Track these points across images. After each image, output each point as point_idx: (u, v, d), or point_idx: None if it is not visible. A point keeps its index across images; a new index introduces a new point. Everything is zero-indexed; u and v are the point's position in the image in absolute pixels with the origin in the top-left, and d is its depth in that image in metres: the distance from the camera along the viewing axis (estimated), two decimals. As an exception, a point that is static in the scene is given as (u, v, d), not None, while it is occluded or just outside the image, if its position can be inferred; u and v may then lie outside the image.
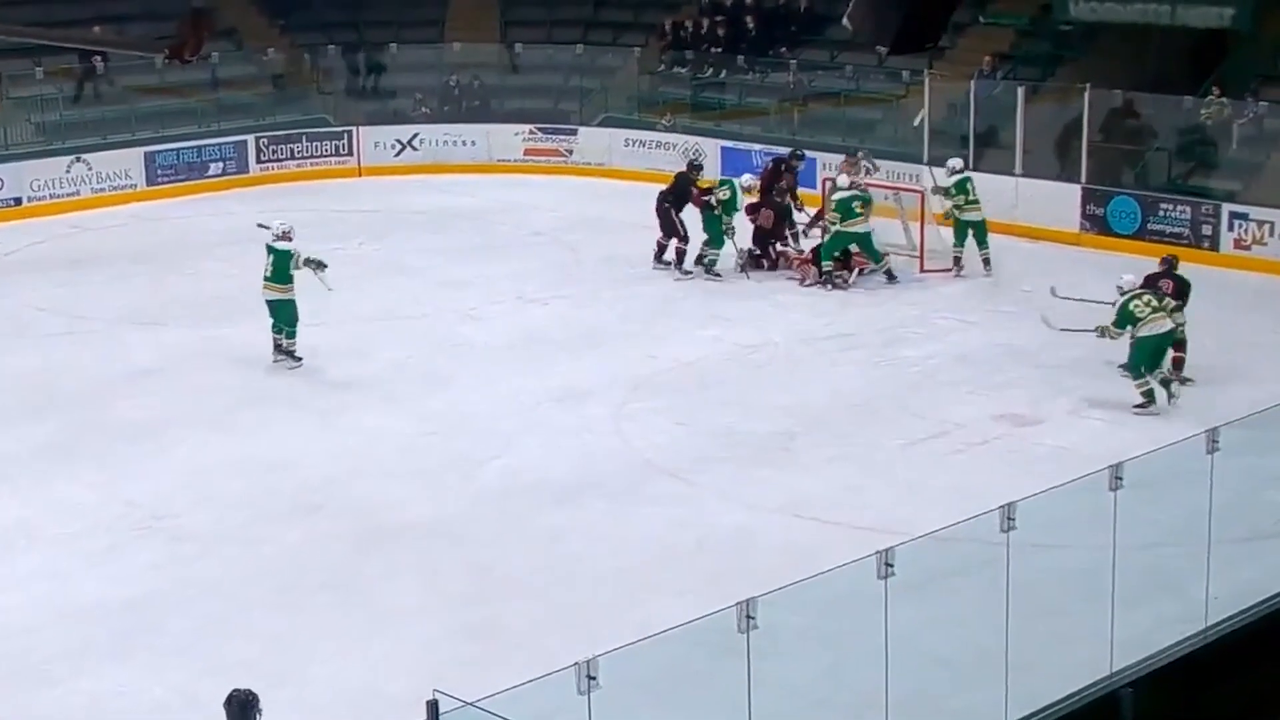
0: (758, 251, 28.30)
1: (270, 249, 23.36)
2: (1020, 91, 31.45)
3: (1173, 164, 30.42)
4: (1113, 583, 13.12)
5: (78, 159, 34.37)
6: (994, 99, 31.95)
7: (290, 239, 23.35)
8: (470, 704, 9.82)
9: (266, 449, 20.30)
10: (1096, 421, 20.81)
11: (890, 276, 27.26)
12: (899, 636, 11.70)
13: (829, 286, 27.04)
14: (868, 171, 29.20)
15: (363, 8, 40.61)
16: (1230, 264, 27.94)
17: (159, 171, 35.36)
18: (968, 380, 22.52)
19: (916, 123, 32.61)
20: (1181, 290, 22.25)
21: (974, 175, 28.56)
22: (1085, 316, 22.34)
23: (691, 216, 28.24)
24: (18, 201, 33.63)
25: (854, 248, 27.22)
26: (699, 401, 21.94)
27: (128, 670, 14.92)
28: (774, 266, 28.17)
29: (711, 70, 38.21)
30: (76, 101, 35.94)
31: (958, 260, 28.12)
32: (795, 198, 29.03)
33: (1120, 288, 21.53)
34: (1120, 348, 21.50)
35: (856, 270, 27.32)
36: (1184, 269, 22.76)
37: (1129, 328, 21.11)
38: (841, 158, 30.18)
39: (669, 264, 28.22)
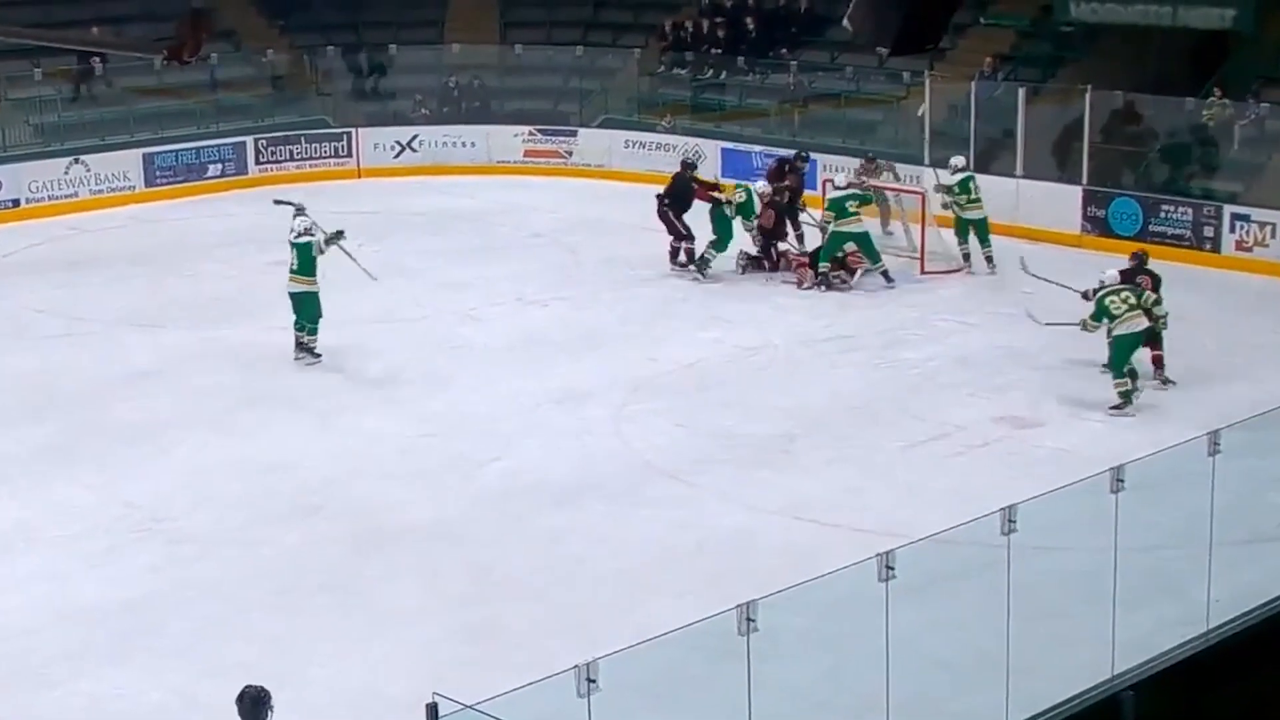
0: (758, 254, 28.24)
1: (291, 245, 23.59)
2: (1021, 93, 31.43)
3: (1174, 165, 30.38)
4: (1114, 585, 13.11)
5: (76, 160, 34.34)
6: (995, 100, 31.92)
7: (311, 235, 23.52)
8: (470, 706, 9.81)
9: (266, 450, 20.28)
10: (1097, 423, 20.78)
11: (887, 279, 27.18)
12: (899, 639, 11.68)
13: (823, 288, 27.01)
14: (888, 176, 29.16)
15: (362, 9, 40.56)
16: (1232, 266, 27.96)
17: (158, 173, 35.34)
18: (968, 382, 22.49)
19: (920, 112, 32.56)
20: (1156, 285, 22.41)
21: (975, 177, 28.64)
22: (1069, 309, 22.37)
23: (694, 218, 28.14)
24: (16, 203, 33.63)
25: (851, 247, 27.15)
26: (699, 403, 21.92)
27: (127, 672, 14.90)
28: (775, 268, 28.12)
29: (711, 71, 38.19)
30: (74, 102, 35.88)
31: (967, 257, 28.25)
32: (798, 198, 28.97)
33: (1102, 281, 21.71)
34: (1105, 345, 21.59)
35: (860, 271, 27.26)
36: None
37: (1105, 321, 21.17)
38: (859, 161, 30.15)
39: (683, 265, 28.16)
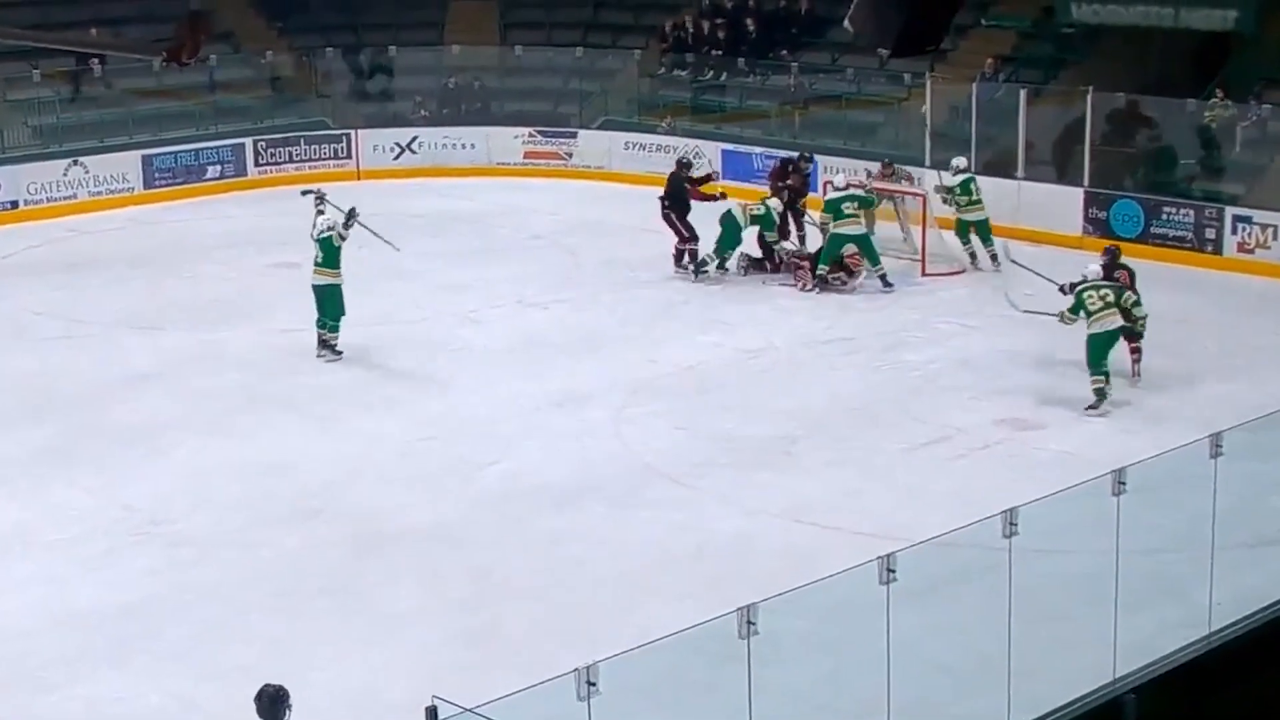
0: (759, 256, 28.20)
1: (315, 240, 23.79)
2: (1022, 94, 31.35)
3: (1176, 167, 30.35)
4: (1116, 588, 13.10)
5: (75, 162, 34.28)
6: (996, 102, 31.88)
7: (331, 228, 23.68)
8: (469, 710, 9.79)
9: (265, 453, 20.24)
10: (1099, 426, 20.75)
11: (885, 283, 27.12)
12: (900, 642, 11.67)
13: (818, 290, 26.96)
14: (906, 181, 29.13)
15: (362, 10, 40.54)
16: (1233, 267, 27.92)
17: (156, 175, 35.27)
18: (969, 385, 22.45)
19: (923, 111, 32.53)
20: (1133, 281, 22.59)
21: (977, 178, 28.65)
22: (1050, 300, 22.45)
23: (703, 221, 28.11)
24: (14, 205, 33.55)
25: (851, 249, 27.11)
26: (699, 405, 21.88)
27: (125, 676, 14.85)
28: (776, 269, 28.06)
29: (712, 73, 38.14)
30: (74, 101, 35.84)
31: (973, 257, 28.36)
32: (799, 199, 28.91)
33: (1084, 276, 21.81)
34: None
35: (863, 273, 27.21)
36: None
37: (1081, 315, 21.33)
38: (877, 167, 30.11)
39: (687, 268, 28.09)
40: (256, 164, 36.66)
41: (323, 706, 13.96)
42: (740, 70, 37.63)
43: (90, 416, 21.66)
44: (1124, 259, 23.07)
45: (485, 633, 15.44)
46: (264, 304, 26.78)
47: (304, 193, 25.04)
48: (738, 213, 27.83)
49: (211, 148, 36.14)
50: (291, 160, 36.95)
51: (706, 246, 27.95)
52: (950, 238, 28.57)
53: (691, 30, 39.11)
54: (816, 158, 31.48)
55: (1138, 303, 21.93)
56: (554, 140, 37.77)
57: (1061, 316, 21.65)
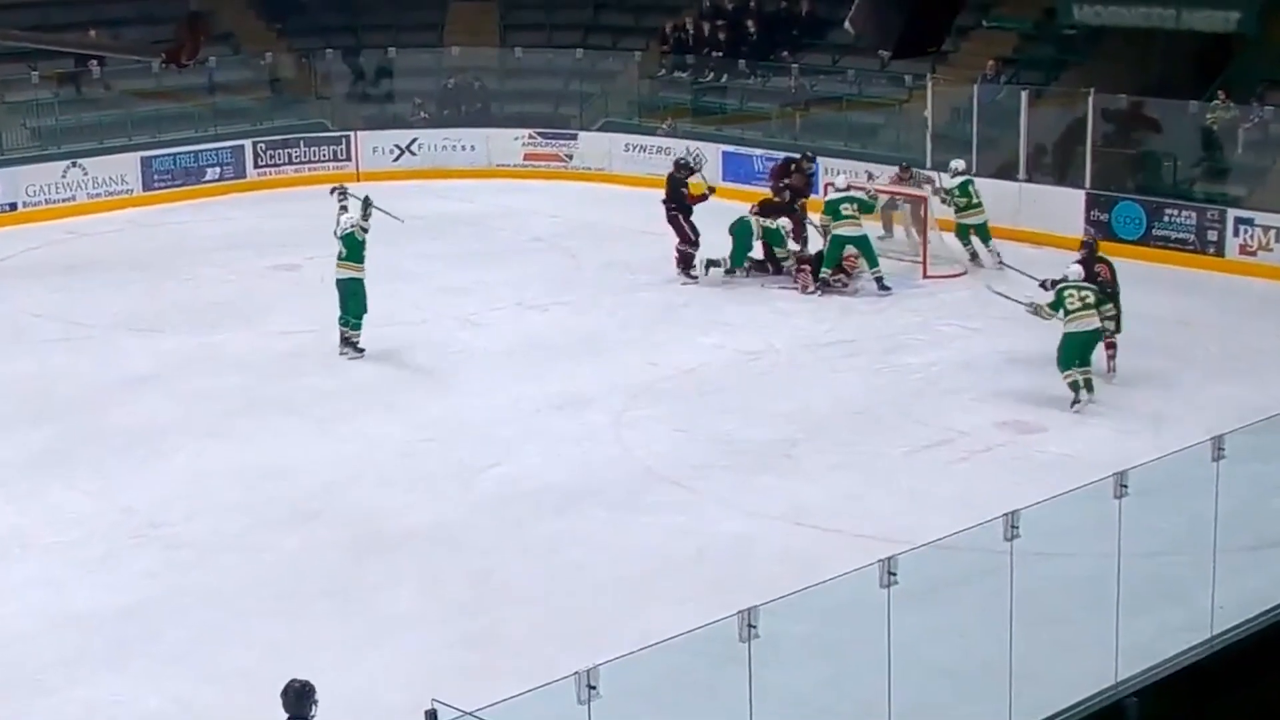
0: (760, 258, 28.16)
1: (338, 238, 23.90)
2: (1024, 96, 31.35)
3: (1178, 169, 30.31)
4: (1117, 591, 13.11)
5: (73, 164, 34.26)
6: (997, 103, 31.84)
7: (355, 224, 23.82)
8: (469, 714, 9.77)
9: (264, 456, 20.20)
10: (1101, 429, 20.71)
11: (881, 286, 27.08)
12: (901, 646, 11.67)
13: (820, 292, 26.93)
14: (926, 184, 29.09)
15: (361, 12, 40.54)
16: (1236, 270, 27.88)
17: (155, 176, 35.25)
18: (971, 387, 22.41)
19: (925, 113, 32.52)
20: (1113, 274, 22.76)
21: (977, 180, 28.61)
22: (1028, 291, 22.66)
23: (712, 227, 28.07)
24: (13, 207, 33.54)
25: (852, 250, 27.09)
26: (700, 408, 21.84)
27: (124, 679, 14.81)
28: (779, 270, 28.00)
29: (712, 74, 38.12)
30: (75, 101, 35.80)
31: (974, 257, 28.43)
32: (798, 198, 28.85)
33: (1065, 275, 21.98)
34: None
35: (862, 275, 27.18)
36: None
37: (1060, 313, 21.48)
38: (894, 170, 30.12)
39: (689, 273, 28.03)
40: (256, 166, 36.65)
41: (322, 709, 13.87)
42: (741, 72, 37.60)
43: (89, 419, 21.63)
44: (1105, 254, 23.27)
45: (485, 636, 15.40)
46: (263, 306, 26.76)
47: (331, 190, 25.13)
48: (752, 223, 27.79)
49: (211, 149, 36.14)
50: (291, 162, 36.96)
51: (706, 251, 27.88)
52: (951, 240, 28.57)
53: (692, 32, 39.10)
54: (819, 160, 31.36)
55: (1113, 315, 22.18)
56: (554, 142, 37.75)
57: (1037, 310, 21.87)
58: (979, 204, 28.24)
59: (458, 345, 24.77)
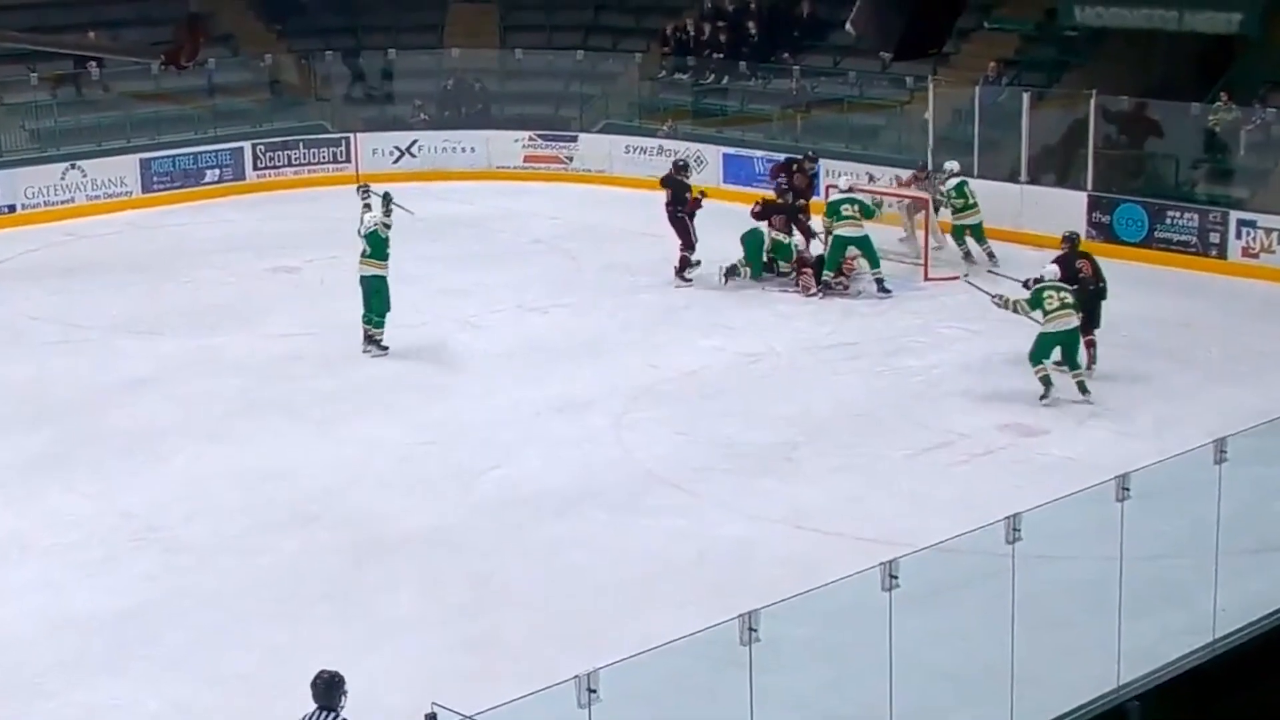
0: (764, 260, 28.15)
1: (361, 236, 24.08)
2: (1025, 98, 31.33)
3: (1180, 171, 30.28)
4: (1119, 594, 13.11)
5: (72, 166, 34.25)
6: (999, 105, 31.81)
7: (378, 222, 23.99)
8: (469, 717, 9.76)
9: (263, 459, 20.17)
10: (1102, 431, 20.69)
11: (881, 287, 27.04)
12: (903, 649, 11.66)
13: (821, 295, 26.90)
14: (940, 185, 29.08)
15: (361, 13, 40.50)
16: (1238, 272, 27.85)
17: (155, 178, 35.24)
18: (972, 390, 22.38)
19: (926, 114, 32.51)
20: (1097, 271, 22.91)
21: (978, 182, 28.59)
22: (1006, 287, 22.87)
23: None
24: (12, 209, 33.52)
25: (853, 252, 27.06)
26: (700, 411, 21.80)
27: (123, 683, 14.79)
28: (782, 272, 27.94)
29: (713, 76, 38.07)
30: (75, 101, 35.77)
31: (968, 256, 28.42)
32: (796, 198, 28.79)
33: (1042, 275, 22.20)
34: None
35: (864, 277, 27.14)
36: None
37: (1038, 312, 21.68)
38: (910, 172, 30.09)
39: (688, 279, 27.97)
40: (255, 168, 36.63)
41: (321, 713, 13.92)
42: (741, 74, 37.57)
43: (87, 422, 21.59)
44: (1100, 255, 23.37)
45: (485, 639, 15.37)
46: (263, 308, 26.73)
47: (357, 189, 25.42)
48: (765, 235, 27.74)
49: (210, 151, 36.12)
50: (290, 164, 36.94)
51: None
52: (952, 242, 28.54)
53: (693, 33, 39.05)
54: (820, 162, 31.27)
55: (1092, 297, 22.33)
56: (554, 144, 37.71)
57: (1007, 304, 22.14)
58: (974, 204, 28.33)
59: (458, 347, 24.74)
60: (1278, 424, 16.12)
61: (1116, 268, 24.56)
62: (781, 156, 31.55)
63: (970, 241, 28.49)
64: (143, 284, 28.57)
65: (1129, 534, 13.02)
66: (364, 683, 14.42)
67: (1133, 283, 25.87)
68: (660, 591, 16.24)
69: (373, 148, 37.55)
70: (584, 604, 16.13)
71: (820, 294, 26.93)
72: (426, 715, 10.04)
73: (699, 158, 34.30)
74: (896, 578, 11.40)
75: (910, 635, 11.73)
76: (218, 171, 36.10)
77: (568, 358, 24.06)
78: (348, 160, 37.30)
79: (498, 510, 18.56)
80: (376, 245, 23.94)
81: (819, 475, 19.50)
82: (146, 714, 14.30)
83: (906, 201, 29.17)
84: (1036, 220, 29.92)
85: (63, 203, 34.04)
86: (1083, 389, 21.57)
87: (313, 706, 11.25)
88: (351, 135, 37.63)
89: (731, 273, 27.74)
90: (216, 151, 36.18)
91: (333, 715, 11.18)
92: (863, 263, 27.26)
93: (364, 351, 23.99)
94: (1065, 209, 29.88)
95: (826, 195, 28.64)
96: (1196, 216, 28.78)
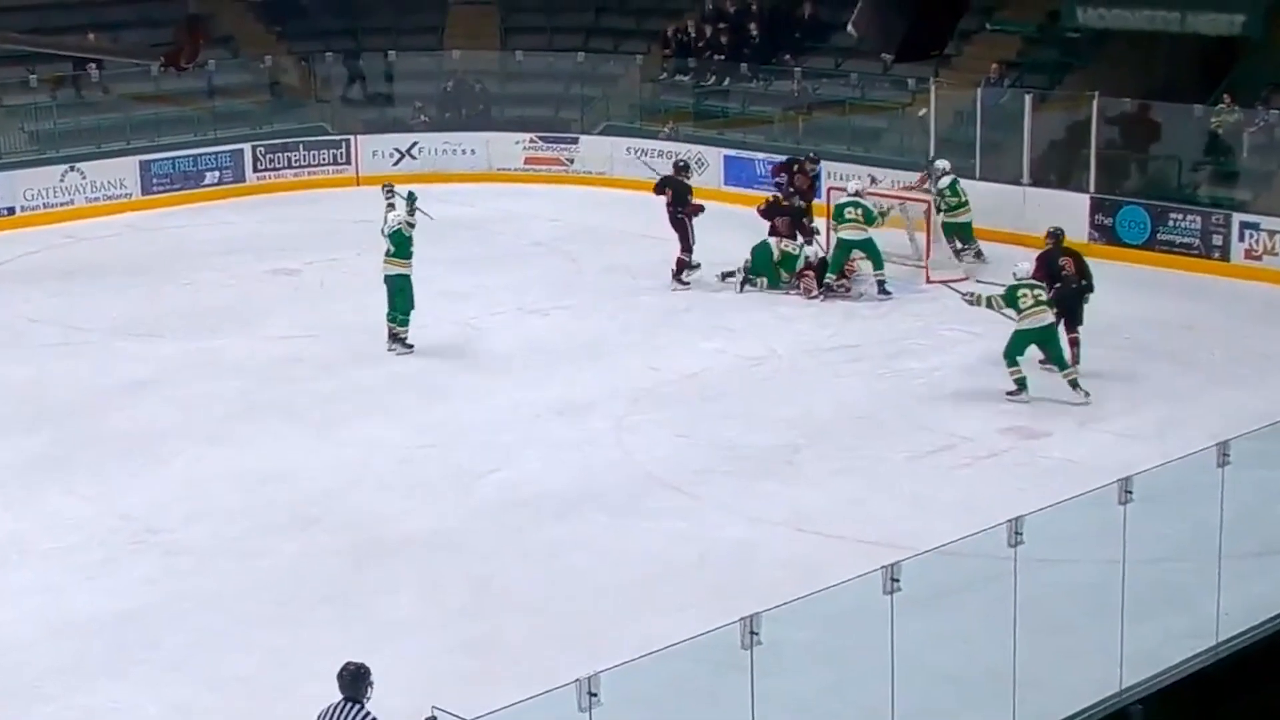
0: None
1: (385, 235, 24.16)
2: (1027, 99, 31.30)
3: (1182, 173, 30.24)
4: (1122, 598, 13.10)
5: (72, 168, 34.21)
6: (1001, 107, 31.77)
7: (401, 222, 24.03)
8: (469, 720, 9.70)
9: (263, 461, 20.14)
10: (1105, 434, 20.64)
11: (881, 289, 27.01)
12: (905, 652, 11.65)
13: (823, 297, 26.87)
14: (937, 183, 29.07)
15: (361, 15, 40.46)
16: (1241, 274, 27.79)
17: (154, 180, 35.19)
18: (974, 392, 22.34)
19: (922, 114, 32.46)
20: (1081, 269, 22.94)
21: (981, 184, 28.56)
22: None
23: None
24: (11, 211, 33.47)
25: (857, 254, 27.03)
26: (701, 414, 21.77)
27: (123, 686, 14.77)
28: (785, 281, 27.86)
29: (714, 78, 38.01)
30: (75, 102, 35.75)
31: (957, 253, 28.52)
32: (804, 199, 28.75)
33: (1015, 274, 22.27)
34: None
35: (866, 278, 27.12)
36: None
37: (1014, 310, 21.79)
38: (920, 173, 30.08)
39: (686, 282, 27.90)
40: (255, 170, 36.57)
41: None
42: (743, 75, 37.50)
43: (87, 424, 21.57)
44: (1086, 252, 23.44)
45: (485, 642, 15.34)
46: (262, 310, 26.69)
47: (381, 188, 25.50)
48: (773, 247, 27.68)
49: (210, 153, 36.07)
50: (290, 166, 36.89)
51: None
52: (943, 240, 28.57)
53: (694, 35, 39.00)
54: (821, 164, 31.22)
55: (1075, 293, 22.45)
56: (555, 146, 37.68)
57: (988, 302, 22.24)
58: (966, 203, 28.35)
59: (458, 350, 24.70)
60: (1280, 427, 16.12)
61: (1119, 270, 24.58)
62: (782, 160, 31.50)
63: (956, 242, 28.47)
64: (142, 286, 28.55)
65: (1131, 537, 13.01)
66: (364, 686, 14.49)
67: (1135, 285, 25.86)
68: (661, 594, 16.21)
69: (373, 150, 37.50)
70: (584, 606, 16.10)
71: (821, 296, 26.91)
72: (426, 718, 10.00)
73: (700, 159, 34.26)
74: (898, 581, 11.39)
75: (912, 638, 11.72)
76: (217, 173, 36.05)
77: (568, 360, 24.02)
78: (348, 162, 37.28)
79: (498, 512, 18.53)
80: (400, 244, 23.99)
81: (820, 478, 19.47)
82: (146, 717, 14.27)
83: (906, 203, 29.08)
84: (1039, 222, 29.58)
85: (62, 205, 34.00)
86: (1075, 386, 21.56)
87: (338, 697, 11.24)
88: (352, 137, 37.60)
89: (748, 284, 27.60)
90: (216, 153, 36.13)
91: (358, 707, 11.16)
92: (864, 264, 27.23)
93: (389, 350, 24.02)
94: (1067, 211, 29.72)
95: (828, 197, 28.59)
96: (1199, 219, 28.74)
